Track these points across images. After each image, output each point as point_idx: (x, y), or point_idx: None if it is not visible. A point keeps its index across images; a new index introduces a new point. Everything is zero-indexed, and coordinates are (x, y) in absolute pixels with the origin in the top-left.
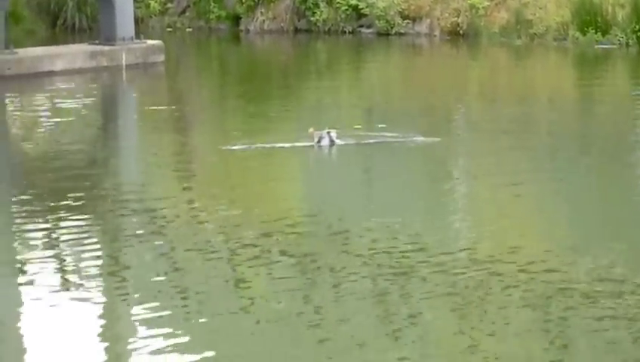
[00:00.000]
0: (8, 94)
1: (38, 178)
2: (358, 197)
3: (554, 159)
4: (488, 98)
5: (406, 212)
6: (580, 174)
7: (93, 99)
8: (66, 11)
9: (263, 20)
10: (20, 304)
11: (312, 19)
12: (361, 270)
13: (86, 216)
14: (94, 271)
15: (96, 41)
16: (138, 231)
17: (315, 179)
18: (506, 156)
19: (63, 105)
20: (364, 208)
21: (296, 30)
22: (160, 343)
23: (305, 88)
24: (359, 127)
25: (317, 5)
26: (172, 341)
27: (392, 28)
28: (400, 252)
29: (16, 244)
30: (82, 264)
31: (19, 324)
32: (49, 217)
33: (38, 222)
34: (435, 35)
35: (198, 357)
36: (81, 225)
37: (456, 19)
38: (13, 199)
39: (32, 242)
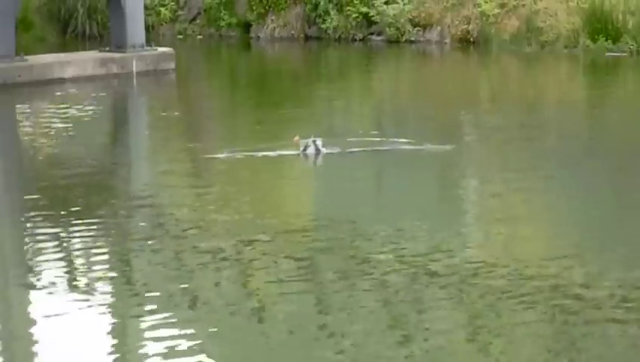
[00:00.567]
0: (19, 101)
1: (49, 184)
2: (367, 204)
3: (566, 165)
4: (499, 105)
5: (415, 218)
6: (592, 180)
7: (103, 106)
8: (77, 18)
9: (274, 28)
10: (31, 310)
11: (322, 26)
12: (370, 275)
13: (96, 222)
14: (105, 277)
15: (107, 48)
16: (148, 237)
17: (323, 186)
18: (517, 163)
19: (74, 113)
20: (373, 214)
21: (307, 37)
22: (170, 349)
23: (315, 95)
24: (376, 132)
25: (327, 13)
26: (182, 346)
27: (402, 35)
28: (410, 257)
29: (27, 250)
30: (93, 270)
31: (30, 330)
32: (59, 223)
33: (49, 228)
34: (445, 43)
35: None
36: (91, 231)
37: (466, 26)
38: (24, 206)
39: (42, 248)
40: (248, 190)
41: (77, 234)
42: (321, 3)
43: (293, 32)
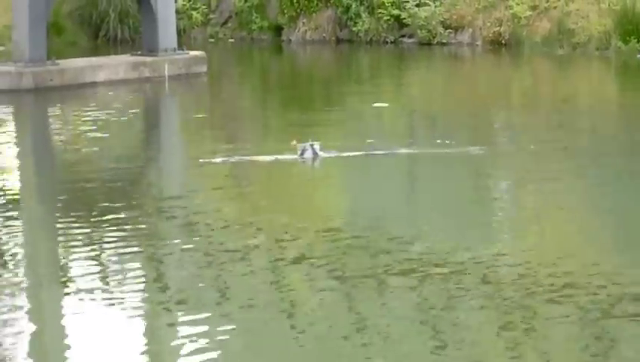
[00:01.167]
0: (51, 105)
1: (81, 188)
2: (396, 205)
3: (599, 167)
4: (532, 107)
5: (445, 219)
6: (625, 182)
7: (135, 110)
8: (108, 23)
9: (305, 31)
10: (63, 309)
11: (353, 29)
12: (404, 280)
13: (126, 223)
14: (135, 276)
15: (139, 52)
16: (178, 237)
17: (353, 187)
18: (550, 164)
19: (105, 116)
20: (403, 215)
21: (338, 40)
22: (201, 347)
23: (347, 98)
24: (447, 142)
25: (359, 15)
26: (212, 344)
27: (433, 38)
28: (439, 257)
29: (59, 254)
30: (123, 269)
31: (61, 330)
32: (90, 224)
33: (80, 229)
34: (477, 45)
35: None
36: (122, 232)
37: (498, 28)
38: (56, 207)
39: (74, 249)
40: (277, 191)
41: (107, 235)
42: (353, 6)
43: (324, 34)
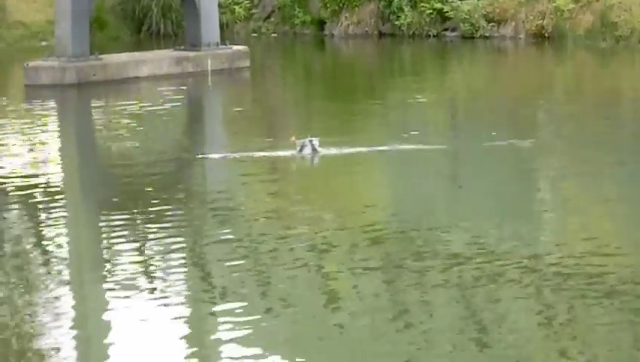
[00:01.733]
0: (94, 100)
1: (124, 182)
2: (441, 199)
3: None
4: (578, 100)
5: (492, 214)
6: None
7: (178, 104)
8: (151, 17)
9: (348, 25)
10: (108, 306)
11: (396, 23)
12: (446, 273)
13: (169, 217)
14: (178, 272)
15: (182, 47)
16: (221, 231)
17: (397, 180)
18: (600, 157)
19: (148, 111)
20: (448, 211)
21: (381, 34)
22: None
23: (391, 91)
24: (494, 134)
25: (401, 9)
26: (257, 341)
27: (476, 31)
28: (485, 253)
29: (102, 246)
30: (167, 263)
31: (106, 327)
32: (135, 220)
33: (125, 225)
34: (519, 38)
35: (285, 356)
36: (166, 226)
37: (541, 22)
38: (101, 203)
39: (118, 245)
40: (317, 185)
41: (150, 227)
42: (395, 0)
43: (367, 28)
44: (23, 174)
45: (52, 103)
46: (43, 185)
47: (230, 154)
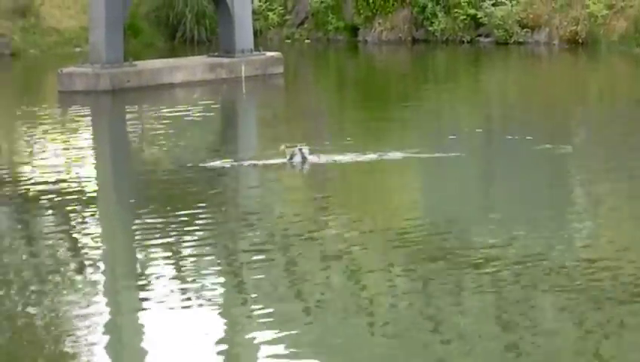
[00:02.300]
0: (128, 106)
1: (158, 189)
2: (476, 205)
3: None
4: (615, 106)
5: (527, 219)
6: None
7: (212, 111)
8: (185, 24)
9: (381, 31)
10: (140, 313)
11: (430, 29)
12: (480, 279)
13: (203, 223)
14: (212, 277)
15: (216, 54)
16: (254, 240)
17: (434, 188)
18: (635, 163)
19: (182, 117)
20: (482, 217)
21: (414, 40)
22: (278, 346)
23: (427, 97)
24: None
25: (435, 15)
26: (292, 349)
27: (510, 37)
28: (518, 258)
29: (136, 255)
30: (200, 269)
31: (138, 333)
32: (167, 228)
33: (157, 233)
34: (553, 44)
35: (317, 359)
36: (199, 232)
37: (575, 27)
38: (133, 210)
39: (151, 253)
40: (351, 193)
41: (184, 232)
42: (429, 5)
43: (400, 34)
44: (57, 179)
45: (86, 110)
46: (77, 191)
47: (218, 163)
